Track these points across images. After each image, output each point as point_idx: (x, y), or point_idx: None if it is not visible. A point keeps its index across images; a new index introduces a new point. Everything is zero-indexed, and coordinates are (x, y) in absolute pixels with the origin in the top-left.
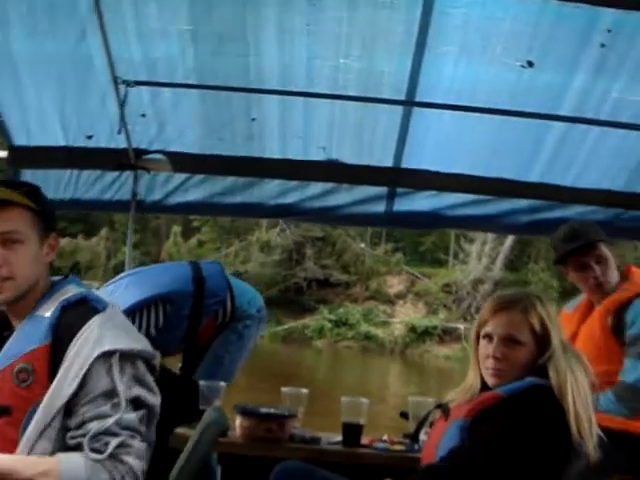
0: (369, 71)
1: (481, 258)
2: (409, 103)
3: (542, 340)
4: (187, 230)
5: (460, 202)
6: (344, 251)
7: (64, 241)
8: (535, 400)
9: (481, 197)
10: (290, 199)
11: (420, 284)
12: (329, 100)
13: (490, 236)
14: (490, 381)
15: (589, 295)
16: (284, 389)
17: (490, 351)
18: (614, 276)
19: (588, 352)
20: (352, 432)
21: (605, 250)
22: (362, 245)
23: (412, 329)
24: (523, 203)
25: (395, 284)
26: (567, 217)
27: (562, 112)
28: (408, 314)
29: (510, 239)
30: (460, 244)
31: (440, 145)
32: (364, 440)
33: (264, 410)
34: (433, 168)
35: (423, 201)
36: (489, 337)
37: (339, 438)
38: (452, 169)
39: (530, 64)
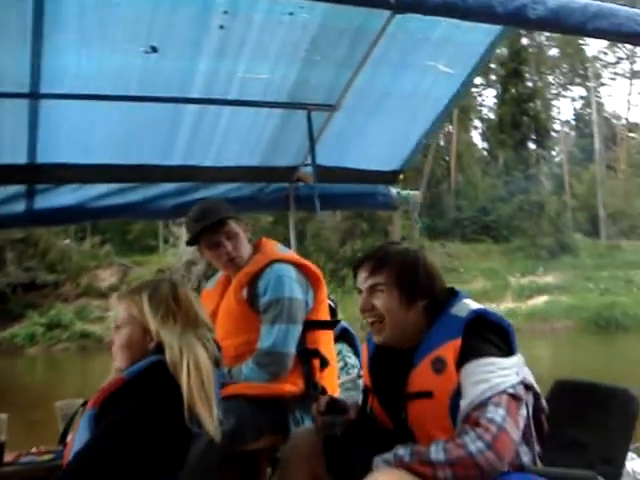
0: None
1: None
2: (34, 96)
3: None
4: None
5: (105, 192)
6: (48, 250)
7: None
8: (150, 379)
9: (126, 185)
10: None
11: (133, 273)
12: None
13: None
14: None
15: (224, 271)
16: None
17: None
18: (246, 250)
19: (228, 325)
20: None
21: (235, 226)
22: (67, 241)
23: None
24: (169, 187)
25: (107, 277)
26: (213, 196)
27: (193, 95)
28: None
29: None
30: (169, 228)
31: (75, 136)
32: (8, 457)
33: None
34: (72, 161)
35: (66, 196)
36: None
37: None
38: (92, 160)
39: (154, 49)
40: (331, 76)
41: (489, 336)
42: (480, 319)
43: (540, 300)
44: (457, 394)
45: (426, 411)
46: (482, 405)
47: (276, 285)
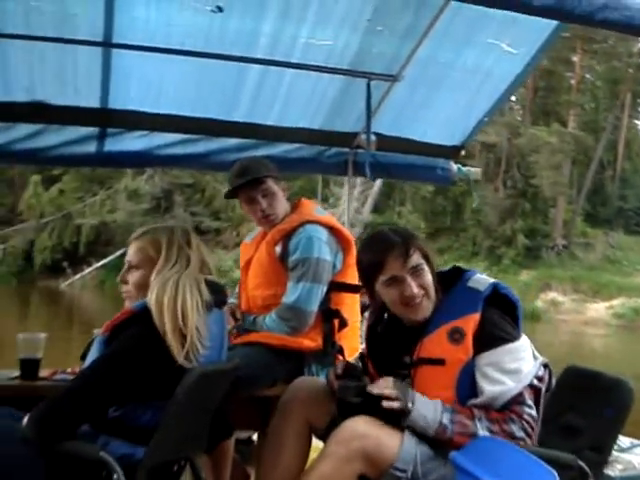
0: (62, 13)
1: (351, 201)
2: (107, 45)
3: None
4: (46, 179)
5: (170, 142)
6: (214, 197)
7: None
8: (148, 314)
9: (190, 136)
10: None
11: None
12: (25, 41)
13: (359, 179)
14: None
15: (259, 225)
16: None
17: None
18: (281, 208)
19: (259, 277)
20: (29, 366)
21: (272, 184)
22: None
23: None
24: (231, 142)
25: None
26: (273, 155)
27: (257, 55)
28: None
29: (379, 182)
30: (330, 188)
31: (145, 86)
32: (44, 373)
33: None
34: (140, 109)
35: (134, 141)
36: None
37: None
38: (159, 109)
39: (220, 9)
40: (393, 47)
41: (504, 315)
42: (497, 294)
43: None
44: (468, 367)
45: (434, 378)
46: (520, 397)
47: (306, 245)
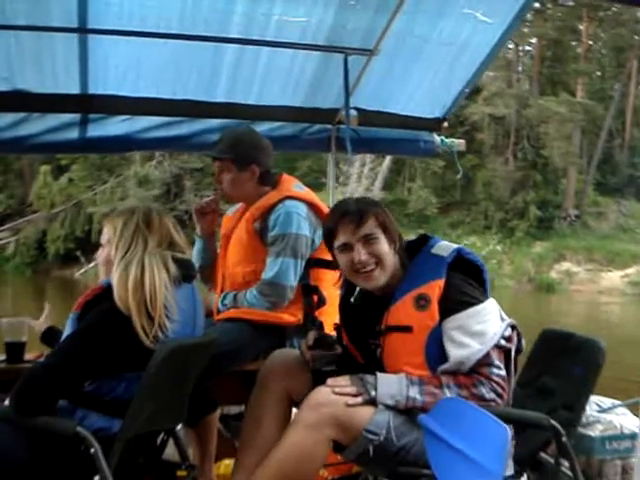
0: (36, 1)
1: (361, 179)
2: (82, 30)
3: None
4: (55, 169)
5: (153, 125)
6: None
7: None
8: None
9: (172, 119)
10: None
11: None
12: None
13: (368, 157)
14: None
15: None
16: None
17: None
18: (240, 191)
19: (239, 254)
20: (15, 350)
21: (230, 165)
22: None
23: None
24: (214, 122)
25: None
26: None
27: (231, 35)
28: None
29: (388, 159)
30: (340, 167)
31: (123, 70)
32: (29, 356)
33: None
34: (120, 93)
35: (116, 126)
36: None
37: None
38: (139, 93)
39: None
40: (367, 21)
41: (469, 279)
42: (460, 258)
43: None
44: (435, 333)
45: (403, 345)
46: (487, 358)
47: (285, 220)
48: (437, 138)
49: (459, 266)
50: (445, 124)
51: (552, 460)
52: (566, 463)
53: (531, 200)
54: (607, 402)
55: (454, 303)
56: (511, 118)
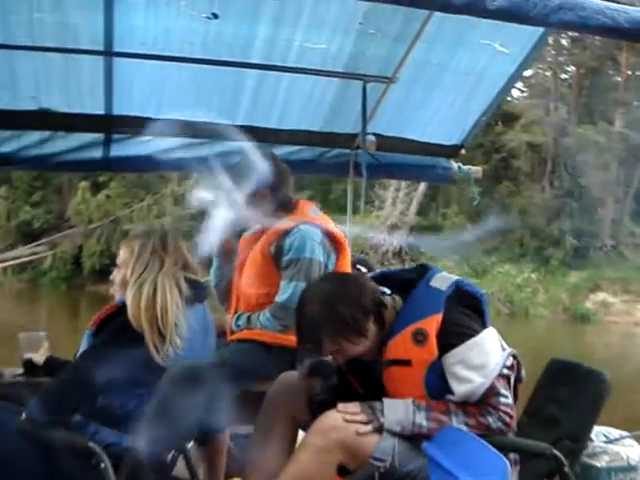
0: (64, 23)
1: (396, 204)
2: (108, 53)
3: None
4: (93, 186)
5: (175, 146)
6: None
7: None
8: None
9: (193, 140)
10: (5, 149)
11: None
12: (31, 52)
13: (404, 182)
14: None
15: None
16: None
17: None
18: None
19: (253, 276)
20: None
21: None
22: None
23: None
24: (234, 145)
25: None
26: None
27: (253, 60)
28: None
29: (423, 185)
30: (375, 190)
31: (147, 92)
32: None
33: None
34: (144, 114)
35: (139, 146)
36: None
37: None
38: (162, 115)
39: (215, 16)
40: (386, 49)
41: (466, 309)
42: (459, 291)
43: None
44: (434, 366)
45: (403, 378)
46: (493, 389)
47: (299, 245)
48: (454, 165)
49: (458, 298)
50: (463, 151)
51: None
52: None
53: (567, 229)
54: (615, 433)
55: (452, 337)
56: (548, 146)
